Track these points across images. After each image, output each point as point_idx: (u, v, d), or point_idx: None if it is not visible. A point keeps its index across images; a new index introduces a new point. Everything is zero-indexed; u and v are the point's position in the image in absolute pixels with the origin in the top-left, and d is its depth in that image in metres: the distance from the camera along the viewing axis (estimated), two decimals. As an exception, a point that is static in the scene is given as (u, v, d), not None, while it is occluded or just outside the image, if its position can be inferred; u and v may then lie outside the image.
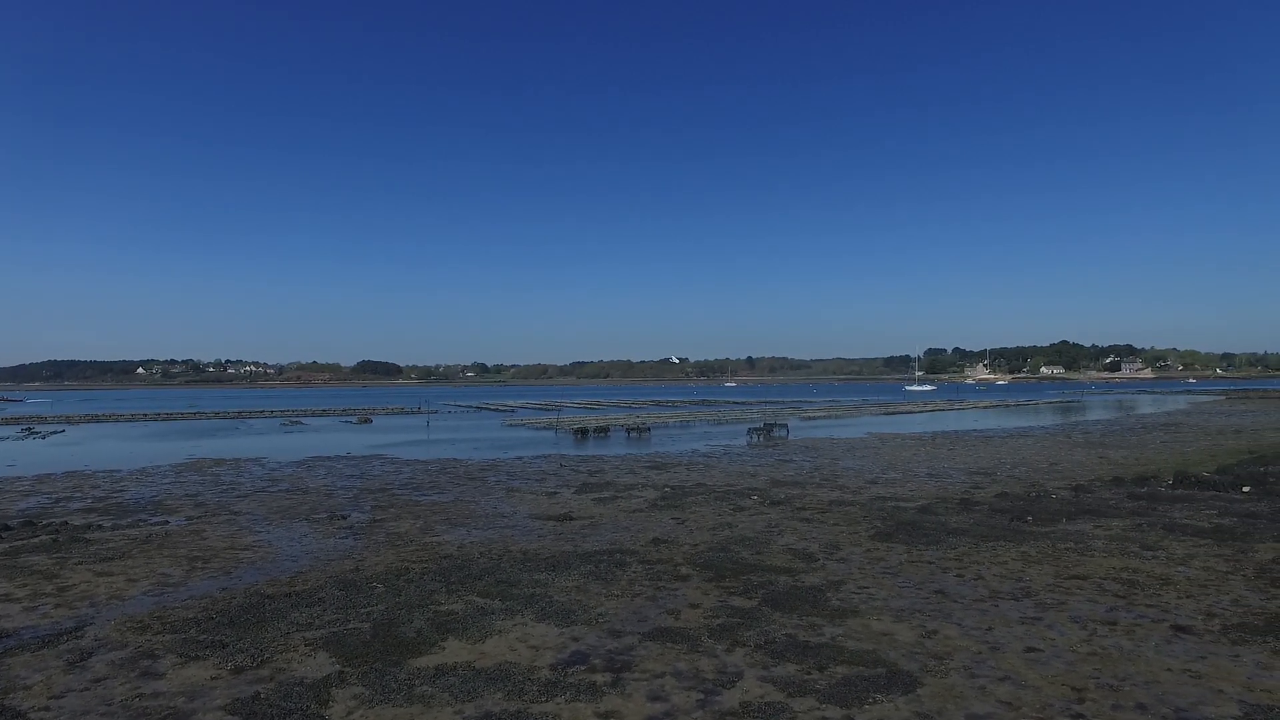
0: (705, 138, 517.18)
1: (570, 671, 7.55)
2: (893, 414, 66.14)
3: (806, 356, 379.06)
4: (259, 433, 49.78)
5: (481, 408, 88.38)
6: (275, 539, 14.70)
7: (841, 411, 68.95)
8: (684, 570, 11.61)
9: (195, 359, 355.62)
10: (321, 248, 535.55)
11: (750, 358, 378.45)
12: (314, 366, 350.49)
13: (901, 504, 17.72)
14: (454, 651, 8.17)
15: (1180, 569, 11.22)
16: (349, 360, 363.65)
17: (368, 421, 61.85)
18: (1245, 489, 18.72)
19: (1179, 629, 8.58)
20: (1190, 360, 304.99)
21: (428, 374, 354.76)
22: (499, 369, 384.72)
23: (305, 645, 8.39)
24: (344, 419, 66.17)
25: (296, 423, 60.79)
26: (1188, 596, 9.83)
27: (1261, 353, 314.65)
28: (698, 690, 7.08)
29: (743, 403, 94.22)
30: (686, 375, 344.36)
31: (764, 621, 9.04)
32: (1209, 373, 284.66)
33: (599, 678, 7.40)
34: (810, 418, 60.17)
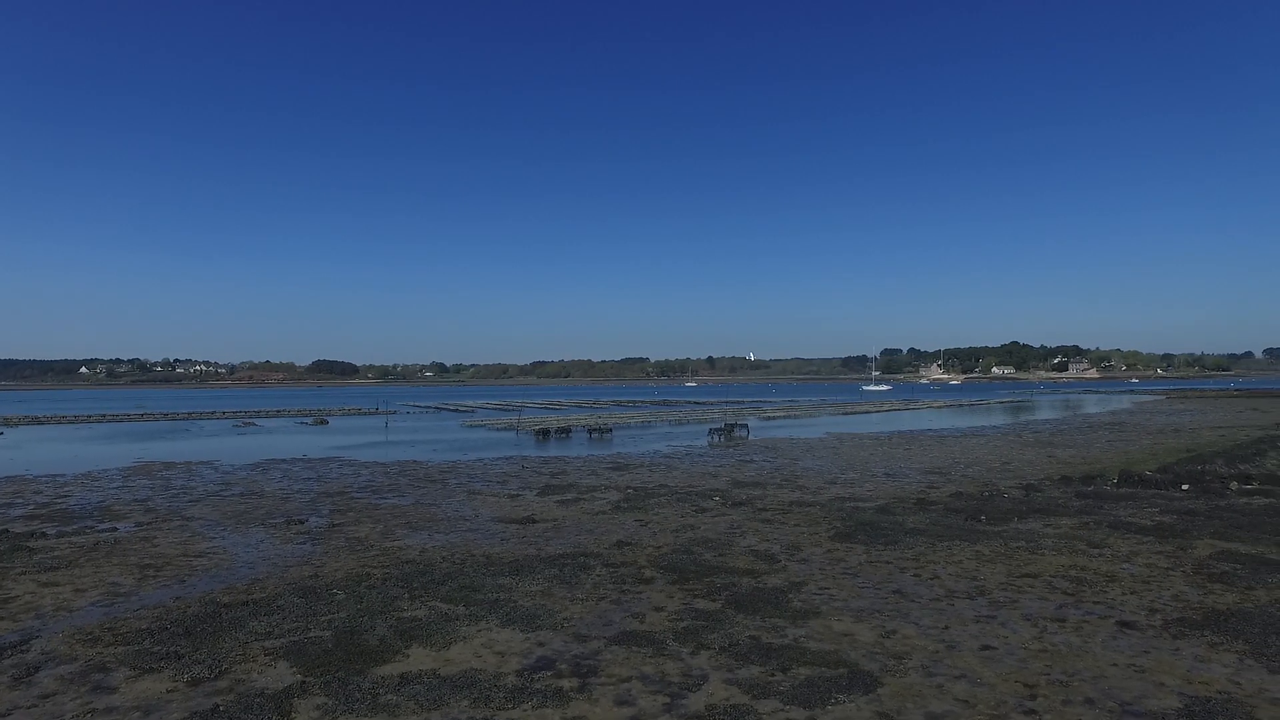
0: (668, 139, 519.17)
1: (536, 677, 7.56)
2: (851, 414, 67.21)
3: (766, 356, 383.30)
4: (211, 434, 48.50)
5: (441, 408, 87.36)
6: (230, 545, 14.37)
7: (801, 411, 69.82)
8: (648, 573, 11.68)
9: (142, 358, 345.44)
10: (276, 244, 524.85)
11: (711, 358, 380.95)
12: (267, 366, 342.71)
13: (860, 504, 18.05)
14: (418, 659, 8.10)
15: (1125, 566, 11.65)
16: (304, 359, 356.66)
17: (324, 423, 60.71)
18: (1184, 487, 19.49)
19: (1124, 625, 8.92)
20: (1133, 361, 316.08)
21: (385, 374, 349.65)
22: (458, 369, 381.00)
23: (265, 655, 8.24)
24: (299, 420, 64.82)
25: (250, 424, 59.37)
26: (1132, 593, 10.22)
27: (1199, 353, 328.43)
28: (664, 694, 7.15)
29: (704, 402, 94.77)
30: (648, 375, 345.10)
31: (728, 624, 9.15)
32: (1150, 373, 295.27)
33: (565, 683, 7.42)
34: (770, 418, 60.81)
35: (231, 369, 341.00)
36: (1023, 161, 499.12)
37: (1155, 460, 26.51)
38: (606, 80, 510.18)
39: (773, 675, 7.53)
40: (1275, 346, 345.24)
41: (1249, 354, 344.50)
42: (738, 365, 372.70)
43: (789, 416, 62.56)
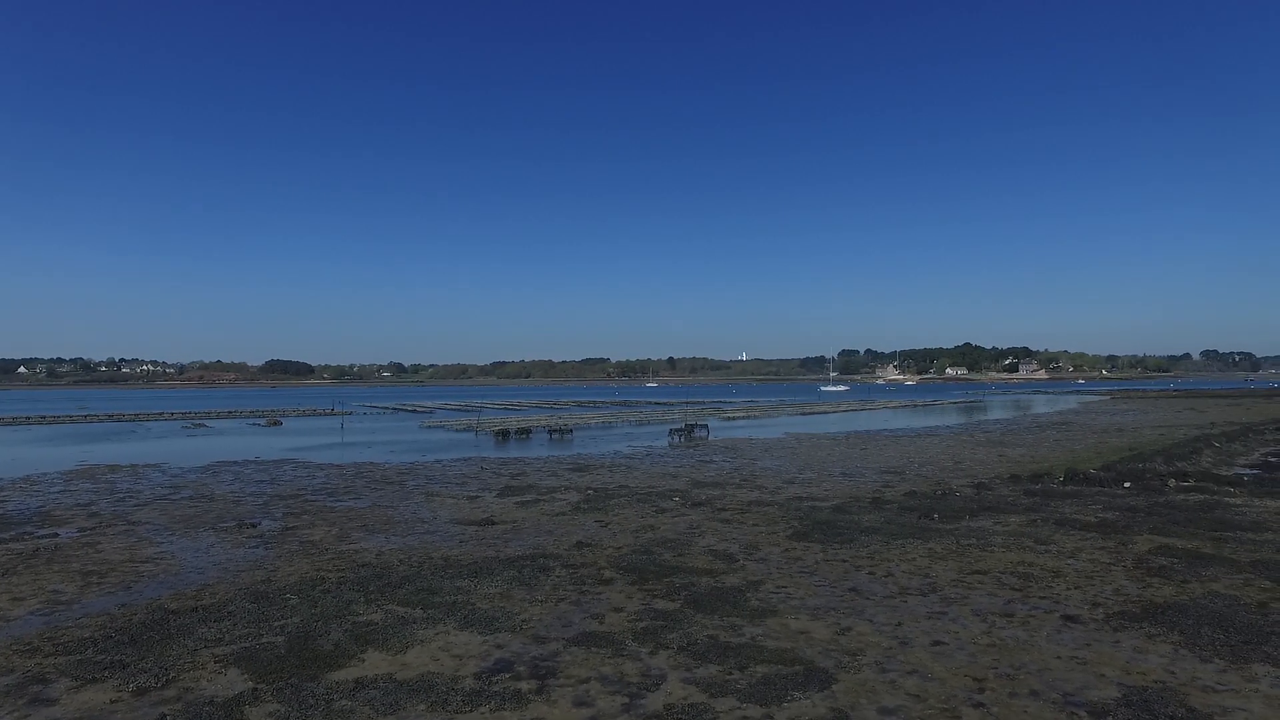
0: (628, 140, 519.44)
1: (495, 680, 7.53)
2: (809, 414, 68.09)
3: (726, 357, 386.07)
4: (158, 436, 47.13)
5: (399, 409, 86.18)
6: (179, 550, 14.00)
7: (760, 412, 70.50)
8: (608, 574, 11.70)
9: (85, 357, 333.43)
10: (228, 241, 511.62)
11: (671, 358, 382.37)
12: (218, 366, 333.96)
13: (817, 503, 18.31)
14: (374, 663, 8.01)
15: (1070, 562, 12.03)
16: (256, 359, 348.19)
17: (278, 424, 59.43)
18: (1126, 485, 20.19)
19: (1068, 619, 9.22)
20: (1079, 362, 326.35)
21: (341, 374, 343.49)
22: (416, 369, 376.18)
23: (214, 662, 8.05)
24: (252, 421, 63.36)
25: (200, 425, 57.82)
26: (1076, 588, 10.56)
27: (1141, 355, 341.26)
28: (623, 694, 7.18)
29: (664, 403, 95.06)
30: (609, 375, 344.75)
31: (686, 623, 9.21)
32: (1096, 373, 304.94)
33: (524, 685, 7.40)
34: (730, 418, 61.28)
35: (181, 369, 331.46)
36: (975, 166, 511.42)
37: (1099, 459, 27.39)
38: (572, 80, 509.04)
39: (730, 674, 7.62)
40: (1211, 349, 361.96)
41: (1187, 355, 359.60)
42: (698, 366, 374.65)
43: (749, 417, 63.13)
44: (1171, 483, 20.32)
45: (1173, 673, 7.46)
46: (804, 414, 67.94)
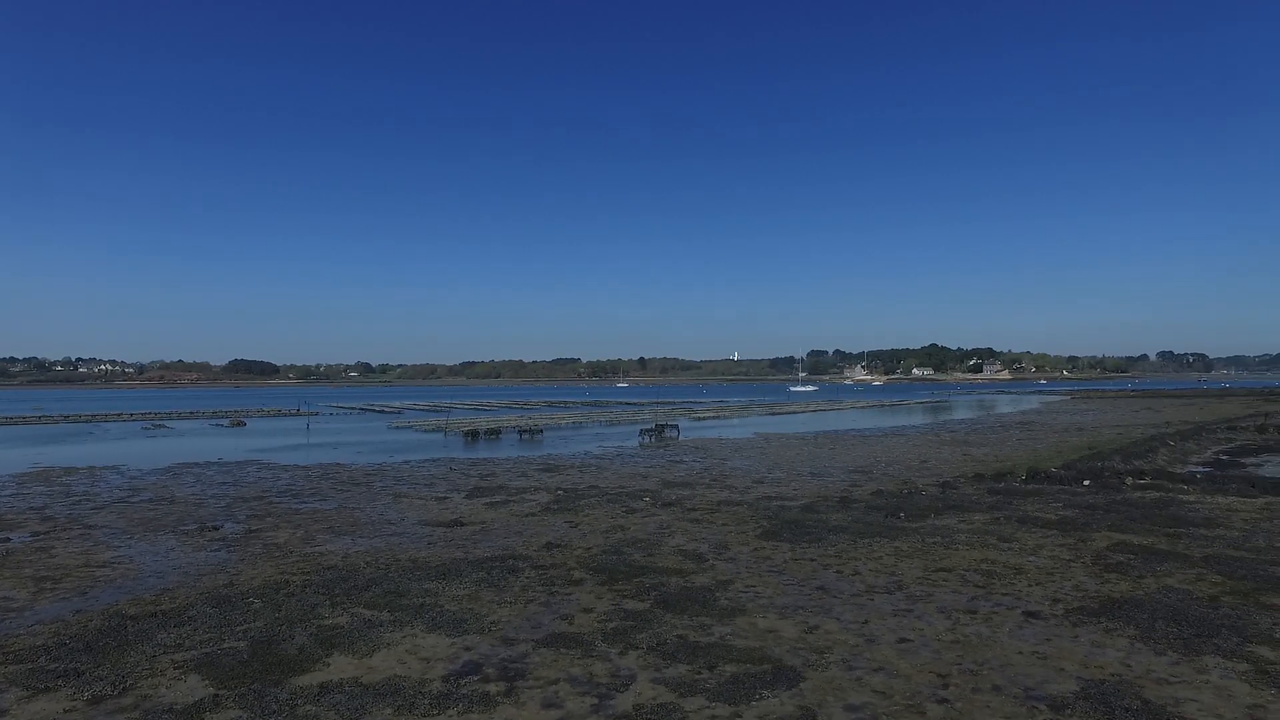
0: (603, 141, 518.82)
1: (463, 682, 7.47)
2: (778, 414, 68.61)
3: (697, 358, 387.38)
4: (117, 438, 45.96)
5: (366, 409, 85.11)
6: (137, 554, 13.67)
7: (730, 412, 70.86)
8: (577, 574, 11.67)
9: (40, 356, 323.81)
10: (189, 238, 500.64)
11: (642, 358, 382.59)
12: (180, 366, 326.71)
13: (786, 503, 18.45)
14: (339, 667, 7.89)
15: (1031, 559, 12.28)
16: (219, 359, 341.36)
17: (241, 424, 58.32)
18: (1085, 483, 20.65)
19: (1029, 614, 9.41)
20: (1041, 363, 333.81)
21: (307, 374, 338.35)
22: (384, 369, 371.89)
23: (174, 668, 7.88)
24: (214, 422, 62.11)
25: (160, 426, 56.54)
26: (1037, 584, 10.77)
27: (1100, 356, 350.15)
28: (592, 695, 7.16)
29: (635, 403, 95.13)
30: (580, 376, 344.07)
31: (656, 623, 9.23)
32: (1057, 374, 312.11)
33: (492, 687, 7.35)
34: (700, 418, 61.51)
35: (140, 369, 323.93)
36: (943, 171, 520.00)
37: (1060, 458, 27.98)
38: (543, 79, 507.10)
39: (699, 673, 7.64)
40: (1167, 350, 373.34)
41: (1144, 356, 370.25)
42: (669, 366, 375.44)
43: (718, 417, 63.42)
44: (1129, 481, 20.83)
45: (1129, 666, 7.65)
46: (773, 414, 68.43)
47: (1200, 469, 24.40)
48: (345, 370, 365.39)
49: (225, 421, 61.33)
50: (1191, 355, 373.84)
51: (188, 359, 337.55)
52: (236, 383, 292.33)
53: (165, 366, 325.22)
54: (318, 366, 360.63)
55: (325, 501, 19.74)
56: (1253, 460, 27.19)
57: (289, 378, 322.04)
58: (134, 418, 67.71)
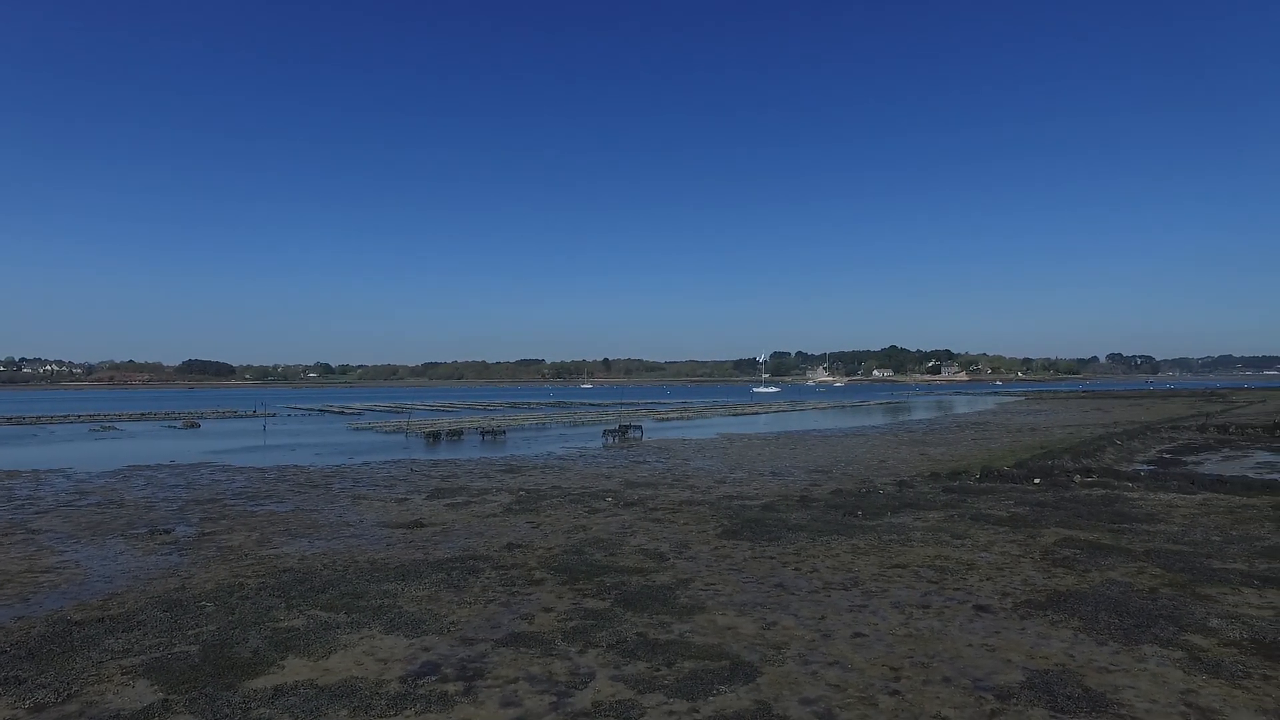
0: (561, 138, 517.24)
1: (421, 683, 7.43)
2: (741, 414, 69.13)
3: (661, 359, 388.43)
4: (63, 440, 44.52)
5: (325, 410, 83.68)
6: (84, 559, 13.30)
7: (693, 413, 71.18)
8: (538, 574, 11.67)
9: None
10: (139, 232, 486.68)
11: (607, 360, 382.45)
12: (130, 366, 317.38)
13: (747, 502, 18.64)
14: (295, 670, 7.80)
15: (983, 554, 12.60)
16: (173, 359, 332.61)
17: (195, 426, 56.93)
18: (1036, 481, 21.23)
19: (980, 608, 9.67)
20: (997, 365, 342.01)
21: (264, 374, 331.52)
22: (344, 369, 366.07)
23: (122, 674, 7.70)
24: (167, 423, 60.53)
25: (110, 428, 54.92)
26: (988, 579, 11.07)
27: (1054, 358, 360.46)
28: (551, 693, 7.19)
29: (599, 404, 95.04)
30: (544, 377, 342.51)
31: (616, 622, 9.28)
32: (1012, 375, 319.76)
33: (451, 687, 7.33)
34: (664, 419, 61.71)
35: (89, 369, 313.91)
36: (898, 173, 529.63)
37: (1013, 457, 28.70)
38: (506, 72, 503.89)
39: (658, 670, 7.72)
40: (1116, 352, 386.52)
41: (1095, 359, 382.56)
42: (633, 367, 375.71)
43: (682, 418, 63.68)
44: (1077, 479, 21.46)
45: (1072, 656, 7.92)
46: (736, 415, 68.93)
47: (1144, 467, 25.23)
48: (304, 371, 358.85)
49: (178, 423, 59.81)
50: (1139, 358, 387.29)
51: (139, 359, 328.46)
52: (190, 383, 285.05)
53: (115, 367, 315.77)
54: (275, 367, 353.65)
55: (282, 504, 19.40)
56: (1193, 459, 28.21)
57: (245, 378, 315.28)
58: (82, 419, 65.63)
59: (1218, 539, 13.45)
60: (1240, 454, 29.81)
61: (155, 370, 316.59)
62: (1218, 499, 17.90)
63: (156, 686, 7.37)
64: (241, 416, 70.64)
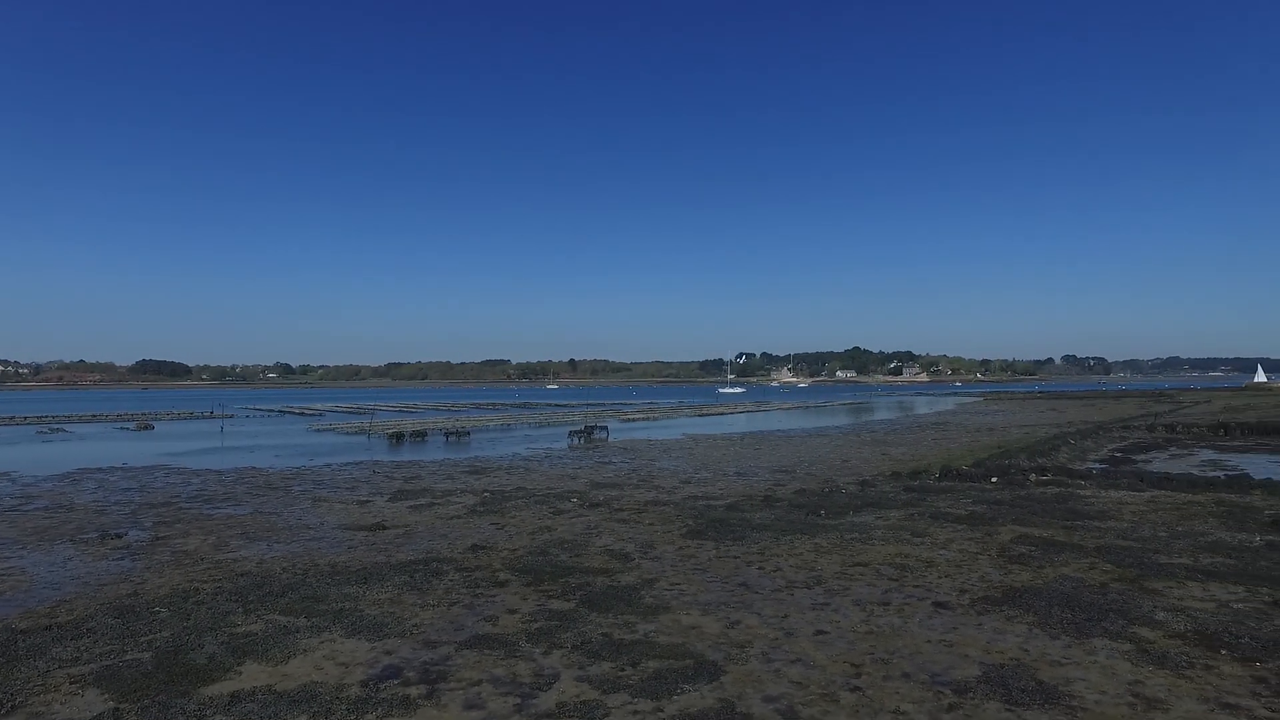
0: (524, 136, 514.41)
1: (382, 686, 7.35)
2: (706, 415, 69.49)
3: (627, 359, 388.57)
4: (8, 442, 43.03)
5: (285, 411, 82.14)
6: (30, 565, 12.87)
7: (659, 413, 71.35)
8: (502, 576, 11.61)
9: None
10: (92, 226, 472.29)
11: (572, 360, 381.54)
12: (81, 366, 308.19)
13: (712, 502, 18.75)
14: (252, 675, 7.65)
15: (942, 552, 12.85)
16: (125, 359, 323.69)
17: (149, 428, 55.44)
18: (994, 480, 21.70)
19: (939, 605, 9.86)
20: (957, 366, 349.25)
21: (222, 375, 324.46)
22: (305, 370, 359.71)
23: (70, 683, 7.48)
24: (119, 425, 58.87)
25: (58, 430, 53.23)
26: (946, 576, 11.29)
27: (1011, 359, 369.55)
28: (515, 695, 7.16)
29: (564, 405, 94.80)
30: (509, 377, 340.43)
31: (581, 622, 9.27)
32: (971, 376, 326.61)
33: (413, 690, 7.26)
34: (630, 419, 61.76)
35: (37, 369, 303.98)
36: (861, 177, 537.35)
37: (971, 456, 29.30)
38: (467, 66, 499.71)
39: (623, 670, 7.73)
40: (1071, 354, 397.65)
41: (1050, 360, 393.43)
42: (599, 368, 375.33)
43: (648, 418, 63.79)
44: (1032, 477, 21.98)
45: (1026, 650, 8.12)
46: (702, 415, 69.27)
47: (1097, 466, 25.94)
48: (263, 371, 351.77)
49: (131, 425, 58.19)
50: (1092, 359, 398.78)
51: (90, 359, 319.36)
52: (144, 384, 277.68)
53: (65, 367, 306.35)
54: (233, 367, 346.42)
55: (240, 506, 19.00)
56: (1143, 457, 29.08)
57: (202, 379, 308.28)
58: (28, 421, 63.49)
59: (1165, 535, 13.89)
60: (1186, 452, 30.82)
61: (107, 370, 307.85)
62: (1165, 496, 18.48)
63: (107, 695, 7.17)
64: (198, 418, 69.05)
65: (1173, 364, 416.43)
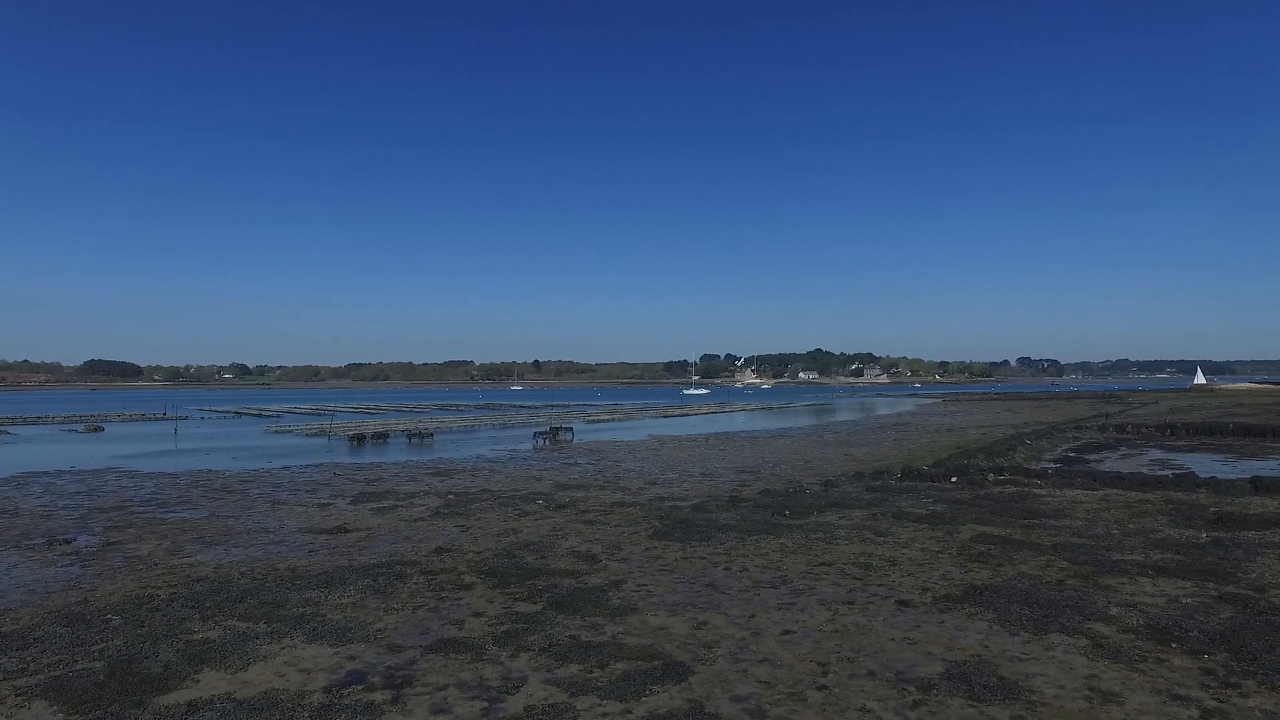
0: (486, 134, 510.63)
1: (346, 693, 7.21)
2: (671, 416, 69.68)
3: (592, 361, 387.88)
4: (-54, 444, 41.35)
5: (242, 413, 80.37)
6: (-27, 572, 12.38)
7: (624, 414, 71.35)
8: (468, 579, 11.49)
9: None
10: (36, 222, 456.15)
11: (537, 361, 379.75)
12: (25, 366, 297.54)
13: (678, 503, 18.80)
14: (210, 683, 7.46)
15: (904, 551, 13.05)
16: (73, 359, 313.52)
17: (98, 430, 53.78)
18: (953, 479, 22.12)
19: (902, 603, 10.01)
20: (916, 368, 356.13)
21: (175, 375, 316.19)
22: (262, 370, 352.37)
23: (16, 695, 7.21)
24: (67, 427, 56.98)
25: (2, 433, 51.28)
26: (909, 575, 11.47)
27: (968, 361, 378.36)
28: (482, 699, 7.09)
29: (529, 406, 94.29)
30: (472, 378, 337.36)
31: (548, 625, 9.22)
32: (930, 378, 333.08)
33: (378, 696, 7.14)
34: (595, 420, 61.65)
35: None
36: (822, 181, 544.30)
37: (932, 456, 29.83)
38: (423, 63, 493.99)
39: (591, 672, 7.70)
40: (1025, 356, 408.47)
41: (1006, 362, 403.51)
42: (564, 369, 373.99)
43: (613, 419, 63.75)
44: (990, 477, 22.46)
45: (987, 647, 8.29)
46: (667, 416, 69.45)
47: (1051, 465, 26.61)
48: (219, 372, 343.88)
49: (80, 427, 56.38)
50: (1046, 361, 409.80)
51: (34, 358, 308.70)
52: (93, 385, 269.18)
53: (7, 367, 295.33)
54: (187, 368, 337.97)
55: (195, 510, 18.52)
56: (1095, 457, 29.92)
57: (154, 380, 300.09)
58: (-31, 423, 61.13)
59: (1117, 532, 14.30)
60: (1136, 452, 31.79)
61: (53, 371, 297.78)
62: (1117, 494, 19.02)
63: (56, 707, 6.93)
64: (150, 420, 67.21)
65: (1122, 366, 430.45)
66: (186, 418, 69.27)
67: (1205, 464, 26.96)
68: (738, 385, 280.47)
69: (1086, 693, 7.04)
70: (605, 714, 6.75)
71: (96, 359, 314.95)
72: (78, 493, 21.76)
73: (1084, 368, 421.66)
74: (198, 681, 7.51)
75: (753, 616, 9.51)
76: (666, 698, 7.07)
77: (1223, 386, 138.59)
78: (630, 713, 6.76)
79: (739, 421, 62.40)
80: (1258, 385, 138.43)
